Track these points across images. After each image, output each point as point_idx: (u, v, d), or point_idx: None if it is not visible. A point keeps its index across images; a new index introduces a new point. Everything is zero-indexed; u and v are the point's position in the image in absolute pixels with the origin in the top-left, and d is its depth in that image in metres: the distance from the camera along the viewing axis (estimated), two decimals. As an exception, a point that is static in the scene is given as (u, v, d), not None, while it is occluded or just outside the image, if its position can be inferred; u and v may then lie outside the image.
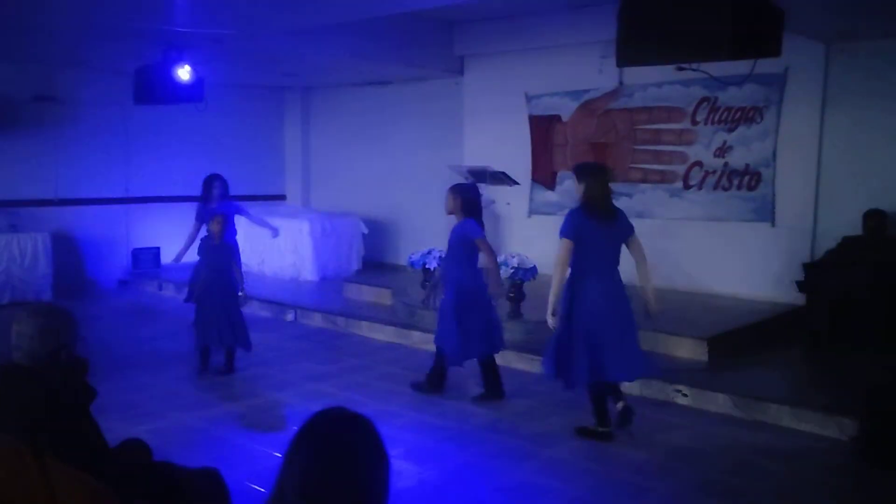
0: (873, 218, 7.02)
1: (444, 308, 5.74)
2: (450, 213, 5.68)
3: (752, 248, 8.20)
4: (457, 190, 5.68)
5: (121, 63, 8.89)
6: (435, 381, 5.92)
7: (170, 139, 11.09)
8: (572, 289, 4.88)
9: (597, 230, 4.80)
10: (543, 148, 9.86)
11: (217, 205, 7.62)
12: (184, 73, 8.00)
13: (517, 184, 8.85)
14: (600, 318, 4.82)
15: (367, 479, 1.62)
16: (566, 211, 5.04)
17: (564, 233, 4.82)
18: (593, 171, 5.04)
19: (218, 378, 6.36)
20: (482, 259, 5.62)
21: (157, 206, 11.16)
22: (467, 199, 5.59)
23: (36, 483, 1.90)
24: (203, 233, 6.96)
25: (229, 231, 7.26)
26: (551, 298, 4.87)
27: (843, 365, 6.14)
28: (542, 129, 9.85)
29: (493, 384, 5.81)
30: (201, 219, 7.62)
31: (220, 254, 6.53)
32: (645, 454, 4.81)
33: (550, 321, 4.90)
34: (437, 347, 5.92)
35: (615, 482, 4.40)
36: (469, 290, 5.62)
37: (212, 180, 7.89)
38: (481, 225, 5.61)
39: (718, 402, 5.57)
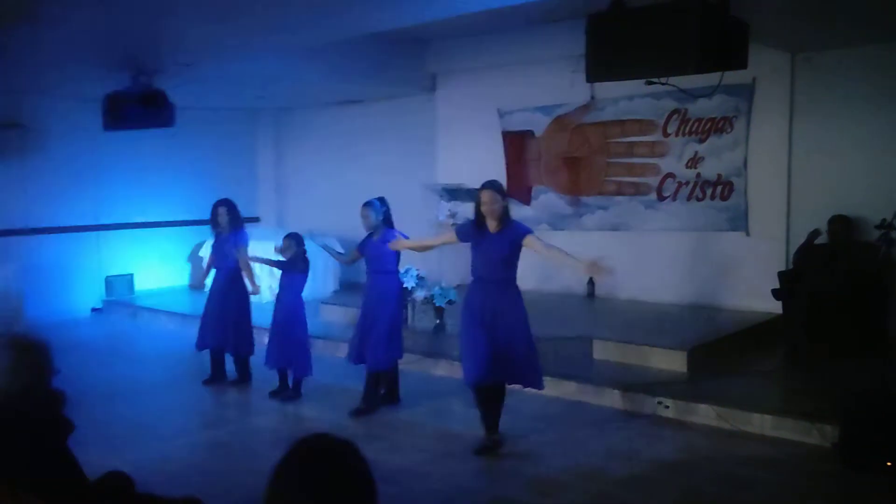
0: (836, 223, 7.13)
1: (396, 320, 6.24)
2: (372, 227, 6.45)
3: (729, 258, 8.26)
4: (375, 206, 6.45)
5: (89, 89, 8.78)
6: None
7: (141, 164, 10.94)
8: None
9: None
10: (518, 163, 9.89)
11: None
12: (154, 98, 7.90)
13: (493, 200, 8.83)
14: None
15: None
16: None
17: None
18: None
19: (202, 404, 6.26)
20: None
21: (129, 232, 11.03)
22: (388, 212, 6.48)
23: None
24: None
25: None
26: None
27: (822, 371, 6.19)
28: (516, 144, 9.89)
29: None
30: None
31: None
32: (630, 468, 4.80)
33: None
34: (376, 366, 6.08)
35: (601, 498, 4.38)
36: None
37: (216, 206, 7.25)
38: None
39: (701, 413, 5.58)
